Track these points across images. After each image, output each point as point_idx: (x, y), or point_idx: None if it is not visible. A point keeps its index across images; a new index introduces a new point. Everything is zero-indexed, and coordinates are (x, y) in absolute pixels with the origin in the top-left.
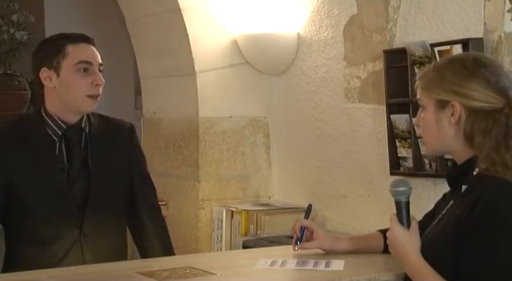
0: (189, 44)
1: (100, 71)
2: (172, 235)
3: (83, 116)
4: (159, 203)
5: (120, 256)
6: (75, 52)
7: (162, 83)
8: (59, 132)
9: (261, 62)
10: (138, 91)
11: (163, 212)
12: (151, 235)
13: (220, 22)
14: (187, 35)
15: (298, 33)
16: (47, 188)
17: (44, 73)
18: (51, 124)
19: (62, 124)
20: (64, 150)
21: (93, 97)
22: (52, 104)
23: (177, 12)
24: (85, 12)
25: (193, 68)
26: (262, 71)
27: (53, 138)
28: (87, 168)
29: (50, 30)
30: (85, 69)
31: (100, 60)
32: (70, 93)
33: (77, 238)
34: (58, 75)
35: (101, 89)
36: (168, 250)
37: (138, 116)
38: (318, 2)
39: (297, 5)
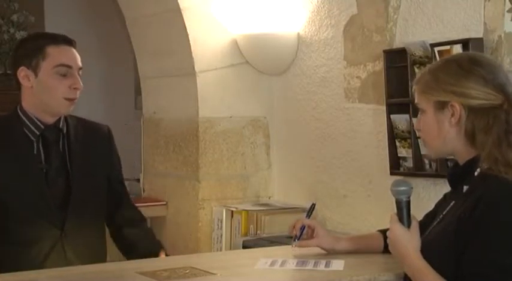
0: (189, 44)
1: (79, 74)
2: (172, 235)
3: (60, 117)
4: (160, 203)
5: (100, 256)
6: (55, 54)
7: (162, 83)
8: (37, 133)
9: (261, 62)
10: (138, 91)
11: (163, 212)
12: (138, 228)
13: (220, 22)
14: (187, 35)
15: (298, 33)
16: (26, 189)
17: (22, 72)
18: (28, 124)
19: (39, 124)
20: (42, 150)
21: (71, 100)
22: (29, 103)
23: (177, 12)
24: (85, 12)
25: (193, 68)
26: (262, 71)
27: (30, 138)
28: (66, 168)
29: (50, 30)
30: (64, 72)
31: (80, 64)
32: (47, 95)
33: (58, 238)
34: (36, 75)
35: (78, 92)
36: (153, 240)
37: (138, 116)
38: (318, 2)
39: (297, 5)
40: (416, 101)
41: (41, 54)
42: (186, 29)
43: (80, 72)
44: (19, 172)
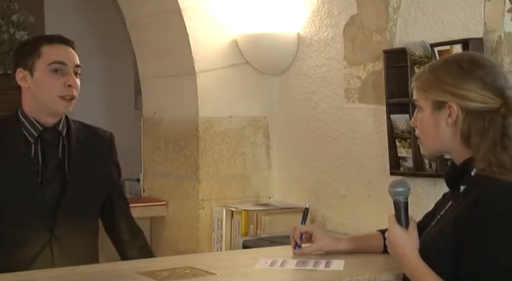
0: (189, 44)
1: (77, 73)
2: (172, 235)
3: (61, 119)
4: (160, 203)
5: (91, 259)
6: (49, 52)
7: (162, 83)
8: (35, 134)
9: (261, 62)
10: (138, 91)
11: (163, 212)
12: (131, 241)
13: (220, 22)
14: (187, 35)
15: (298, 33)
16: (18, 191)
17: (20, 74)
18: (27, 125)
19: (38, 126)
20: (39, 152)
21: (67, 98)
22: (28, 105)
23: (177, 12)
24: (85, 12)
25: (193, 68)
26: (262, 71)
27: (28, 139)
28: (63, 171)
29: (50, 30)
30: (59, 70)
31: (76, 62)
32: (43, 93)
33: (47, 241)
34: (32, 75)
35: (75, 91)
36: (147, 252)
37: (138, 116)
38: (318, 2)
39: (297, 5)
40: (414, 97)
41: (36, 53)
42: (186, 29)
43: (79, 70)
44: (12, 173)
